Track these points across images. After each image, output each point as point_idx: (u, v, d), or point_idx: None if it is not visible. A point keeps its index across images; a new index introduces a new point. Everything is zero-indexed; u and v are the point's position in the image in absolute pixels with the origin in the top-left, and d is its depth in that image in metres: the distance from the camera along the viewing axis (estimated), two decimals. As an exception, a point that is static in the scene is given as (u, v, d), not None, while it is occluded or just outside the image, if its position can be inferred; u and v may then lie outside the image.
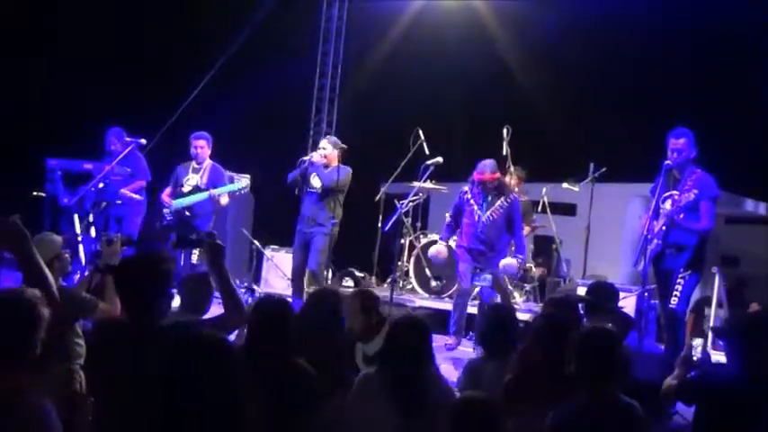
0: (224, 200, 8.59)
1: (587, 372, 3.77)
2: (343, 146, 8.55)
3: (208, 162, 8.83)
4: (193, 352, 2.75)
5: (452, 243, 8.58)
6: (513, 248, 8.32)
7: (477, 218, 7.95)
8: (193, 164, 8.83)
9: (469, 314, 8.26)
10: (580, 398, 3.74)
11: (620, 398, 3.76)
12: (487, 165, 7.95)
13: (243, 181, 8.66)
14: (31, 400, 2.93)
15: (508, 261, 8.00)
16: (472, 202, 8.02)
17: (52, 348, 3.63)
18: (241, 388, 2.68)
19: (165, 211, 8.68)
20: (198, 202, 8.57)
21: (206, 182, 8.66)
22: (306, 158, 8.37)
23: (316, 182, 8.33)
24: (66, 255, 5.01)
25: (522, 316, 8.24)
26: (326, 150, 8.41)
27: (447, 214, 8.53)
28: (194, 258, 8.40)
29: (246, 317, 3.94)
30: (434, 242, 8.87)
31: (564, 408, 3.73)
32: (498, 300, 7.19)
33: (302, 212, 8.45)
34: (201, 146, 8.79)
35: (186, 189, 8.69)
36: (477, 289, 8.25)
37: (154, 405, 2.60)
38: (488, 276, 6.75)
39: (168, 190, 8.82)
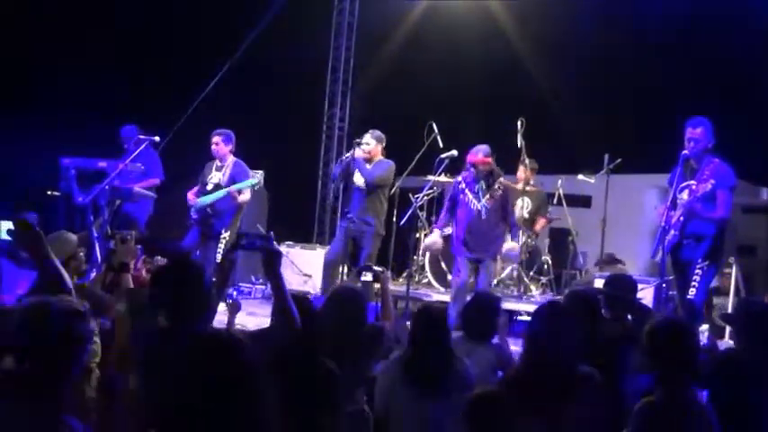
0: (243, 197, 8.56)
1: (663, 368, 3.67)
2: (357, 141, 8.51)
3: (231, 159, 8.78)
4: (206, 353, 2.70)
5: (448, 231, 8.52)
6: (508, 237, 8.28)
7: (472, 206, 7.89)
8: (217, 162, 8.81)
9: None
10: (658, 396, 3.64)
11: (698, 397, 3.71)
12: (481, 148, 7.94)
13: (256, 177, 8.64)
14: (68, 422, 2.87)
15: (509, 245, 7.99)
16: (467, 191, 7.96)
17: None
18: (258, 390, 2.64)
19: (192, 209, 8.68)
20: (219, 200, 8.54)
21: (227, 179, 8.64)
22: (348, 155, 8.33)
23: (359, 179, 8.29)
24: (81, 254, 5.00)
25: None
26: (369, 146, 8.34)
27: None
28: (218, 256, 8.37)
29: (297, 327, 3.80)
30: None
31: (650, 401, 3.62)
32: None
33: (348, 209, 8.36)
34: (216, 142, 8.75)
35: (209, 187, 8.67)
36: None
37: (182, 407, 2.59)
38: None
39: (195, 188, 8.81)
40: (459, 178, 8.11)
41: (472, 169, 7.90)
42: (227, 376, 2.57)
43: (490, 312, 5.36)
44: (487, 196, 7.86)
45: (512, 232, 8.19)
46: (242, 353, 2.64)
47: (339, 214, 8.60)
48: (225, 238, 8.49)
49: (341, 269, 8.33)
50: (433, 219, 10.64)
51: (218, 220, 8.57)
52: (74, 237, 5.01)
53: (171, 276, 3.72)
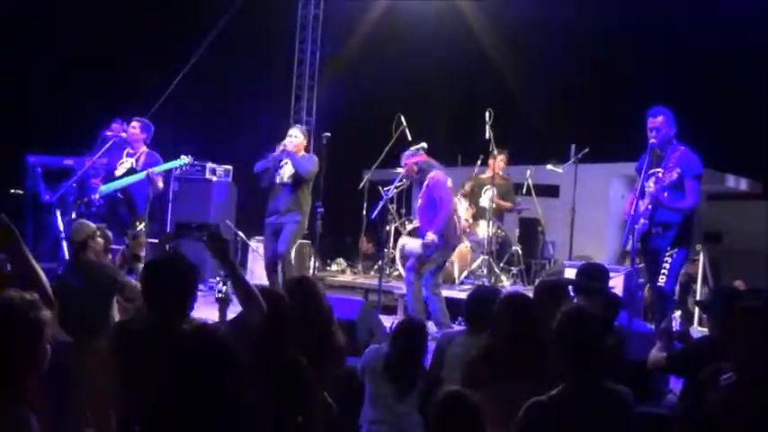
0: (160, 183, 8.21)
1: (569, 357, 3.46)
2: (326, 135, 8.49)
3: (144, 148, 8.39)
4: (198, 353, 2.68)
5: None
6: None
7: (417, 204, 8.14)
8: (128, 149, 8.41)
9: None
10: (562, 387, 3.43)
11: (606, 385, 3.49)
12: (405, 153, 8.08)
13: (183, 158, 8.33)
14: (16, 414, 2.81)
15: (411, 244, 7.92)
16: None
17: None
18: (242, 390, 2.62)
19: (95, 197, 8.19)
20: (134, 185, 8.15)
21: (141, 166, 8.23)
22: (279, 148, 8.23)
23: (288, 171, 8.22)
24: (100, 239, 5.73)
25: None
26: (298, 139, 8.28)
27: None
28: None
29: (264, 309, 3.77)
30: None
31: (542, 399, 3.40)
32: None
33: (274, 203, 8.28)
34: (133, 126, 8.38)
35: (119, 172, 8.28)
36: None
37: (164, 405, 2.57)
38: None
39: (99, 178, 8.35)
40: None
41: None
42: (218, 375, 2.56)
43: (489, 303, 5.37)
44: (420, 193, 7.97)
45: (434, 222, 7.79)
46: (231, 351, 2.63)
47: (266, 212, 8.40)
48: (142, 230, 8.12)
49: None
50: (403, 211, 10.69)
51: (129, 208, 8.17)
52: (92, 224, 5.90)
53: (167, 272, 3.65)
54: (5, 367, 2.86)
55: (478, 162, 10.46)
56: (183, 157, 8.28)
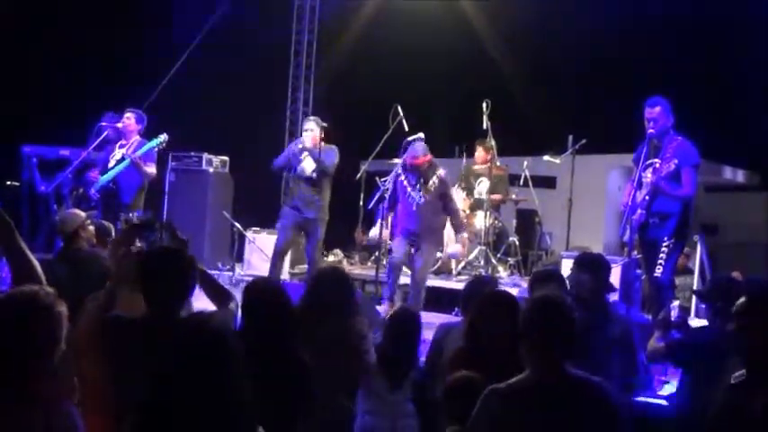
0: (149, 169, 8.17)
1: (530, 344, 3.35)
2: (324, 124, 8.46)
3: (136, 138, 8.35)
4: (184, 347, 2.66)
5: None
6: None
7: (411, 200, 7.95)
8: (122, 141, 8.38)
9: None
10: (523, 375, 3.33)
11: (572, 373, 3.34)
12: (419, 148, 7.96)
13: (160, 137, 8.24)
14: (63, 408, 2.80)
15: (453, 248, 8.11)
16: (406, 184, 8.02)
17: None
18: (240, 383, 2.59)
19: (92, 190, 8.25)
20: (123, 174, 8.10)
21: (131, 153, 8.16)
22: (299, 146, 8.19)
23: (309, 165, 8.18)
24: (91, 227, 5.79)
25: (506, 290, 8.24)
26: (314, 132, 8.26)
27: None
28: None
29: (231, 297, 3.88)
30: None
31: (500, 386, 3.31)
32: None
33: (296, 197, 8.25)
34: (128, 117, 8.36)
35: (112, 164, 8.24)
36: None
37: (161, 400, 2.54)
38: None
39: (96, 171, 8.44)
40: (400, 170, 8.11)
41: (413, 169, 7.94)
42: (218, 369, 2.54)
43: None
44: (425, 188, 7.91)
45: (454, 224, 8.19)
46: (230, 344, 2.61)
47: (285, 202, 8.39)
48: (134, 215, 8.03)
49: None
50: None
51: (125, 195, 8.14)
52: (81, 212, 5.98)
53: (164, 264, 3.63)
54: (25, 364, 2.79)
55: (463, 153, 10.52)
56: (160, 135, 8.20)
